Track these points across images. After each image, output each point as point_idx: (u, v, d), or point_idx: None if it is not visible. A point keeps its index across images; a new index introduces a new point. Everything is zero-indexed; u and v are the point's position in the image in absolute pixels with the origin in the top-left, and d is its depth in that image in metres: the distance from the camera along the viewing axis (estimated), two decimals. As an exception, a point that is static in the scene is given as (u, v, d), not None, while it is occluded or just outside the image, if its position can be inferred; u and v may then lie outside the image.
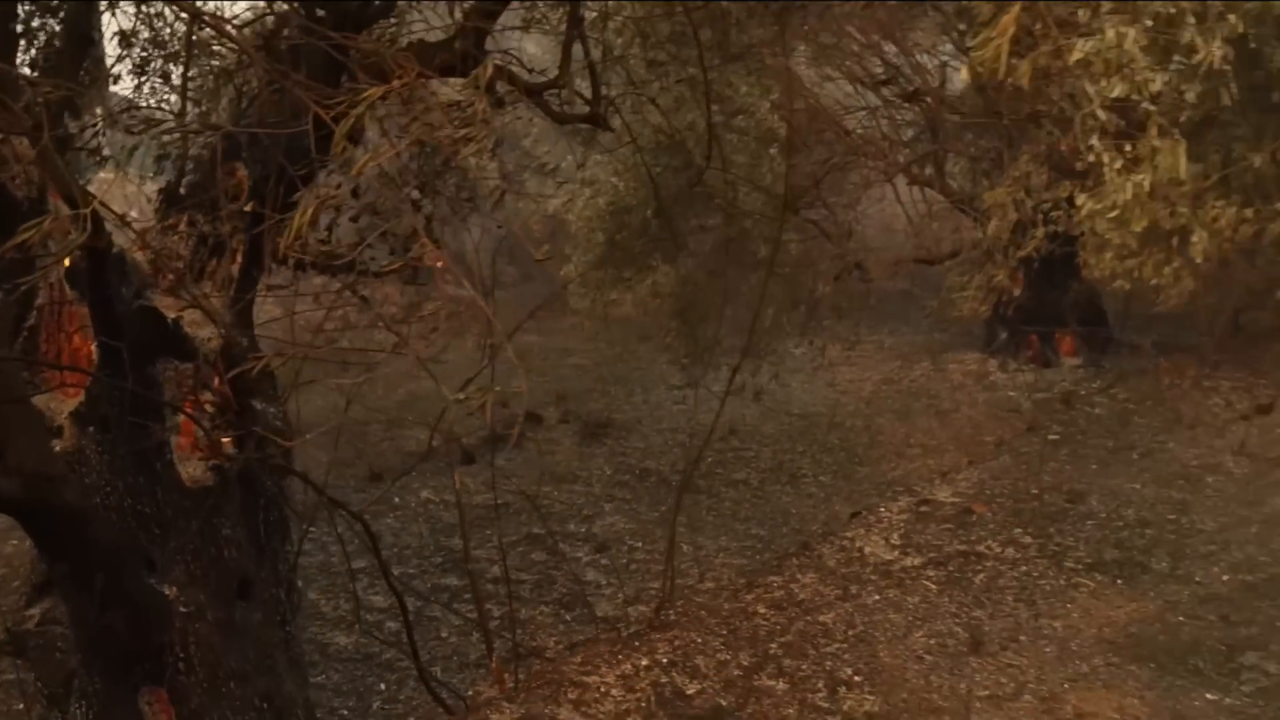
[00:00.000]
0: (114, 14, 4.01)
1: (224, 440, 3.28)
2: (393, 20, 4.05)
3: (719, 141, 7.21)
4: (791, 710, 2.76)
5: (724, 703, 2.80)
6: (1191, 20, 2.83)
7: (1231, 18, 2.98)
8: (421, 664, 3.61)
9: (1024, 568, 3.76)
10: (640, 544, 6.37)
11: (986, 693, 2.86)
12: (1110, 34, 1.89)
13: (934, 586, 3.60)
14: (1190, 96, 2.98)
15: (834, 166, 7.12)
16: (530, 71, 4.15)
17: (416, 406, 9.90)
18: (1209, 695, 2.83)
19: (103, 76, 4.20)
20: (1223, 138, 6.62)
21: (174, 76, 4.29)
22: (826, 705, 2.78)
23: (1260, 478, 4.82)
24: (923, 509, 4.45)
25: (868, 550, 3.95)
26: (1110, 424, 5.98)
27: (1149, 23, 2.19)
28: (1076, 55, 1.92)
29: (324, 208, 3.60)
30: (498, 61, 4.08)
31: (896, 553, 3.92)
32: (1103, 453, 5.38)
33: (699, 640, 3.17)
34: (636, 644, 3.18)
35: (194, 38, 3.51)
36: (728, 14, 4.88)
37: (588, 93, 4.57)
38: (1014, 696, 2.83)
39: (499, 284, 15.10)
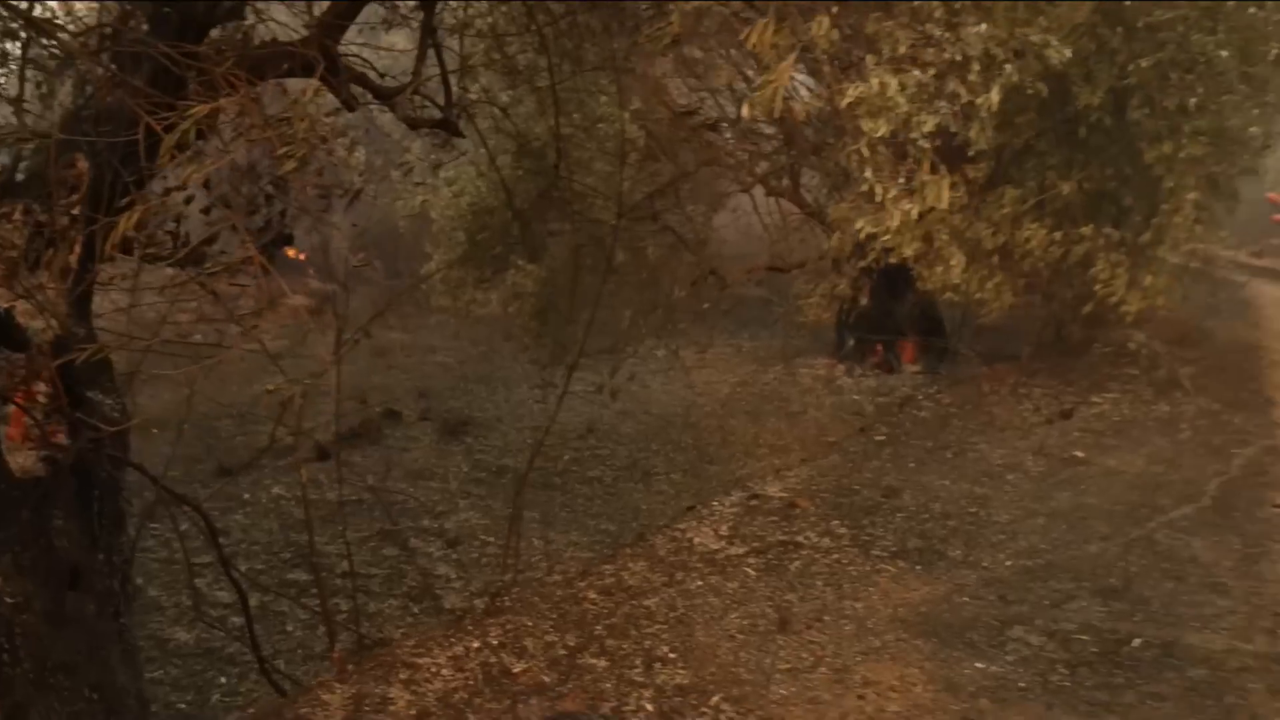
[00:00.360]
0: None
1: (55, 431, 3.27)
2: (245, 20, 4.07)
3: (582, 147, 7.43)
4: (609, 684, 2.98)
5: (547, 679, 3.00)
6: (976, 68, 3.20)
7: (1009, 67, 3.36)
8: (260, 651, 3.67)
9: (835, 555, 4.11)
10: (492, 539, 6.49)
11: (788, 666, 3.15)
12: (875, 82, 2.17)
13: (753, 573, 3.90)
14: (973, 134, 3.35)
15: (685, 175, 7.43)
16: (383, 77, 4.25)
17: (264, 403, 9.74)
18: (978, 664, 3.19)
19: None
20: (1039, 167, 7.26)
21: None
22: (642, 679, 3.01)
23: (1052, 475, 5.35)
24: (752, 503, 4.77)
25: (697, 541, 4.22)
26: (932, 426, 6.48)
27: (918, 73, 2.50)
28: (848, 99, 2.20)
29: (167, 200, 3.63)
30: (351, 64, 4.18)
31: (723, 542, 4.21)
32: (921, 452, 5.84)
33: (530, 624, 3.36)
34: (470, 628, 3.34)
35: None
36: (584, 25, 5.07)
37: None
38: (811, 669, 3.13)
39: (365, 279, 15.05)
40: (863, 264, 7.93)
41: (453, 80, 5.01)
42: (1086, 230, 6.83)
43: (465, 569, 6.01)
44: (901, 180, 2.48)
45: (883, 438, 6.24)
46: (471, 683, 2.96)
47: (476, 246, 7.73)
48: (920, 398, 7.80)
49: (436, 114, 4.48)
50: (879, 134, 2.25)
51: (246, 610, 3.81)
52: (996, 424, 6.46)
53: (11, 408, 3.18)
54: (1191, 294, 8.53)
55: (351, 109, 4.61)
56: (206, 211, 5.46)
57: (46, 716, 3.24)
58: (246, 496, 7.47)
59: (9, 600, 3.21)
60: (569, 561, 5.09)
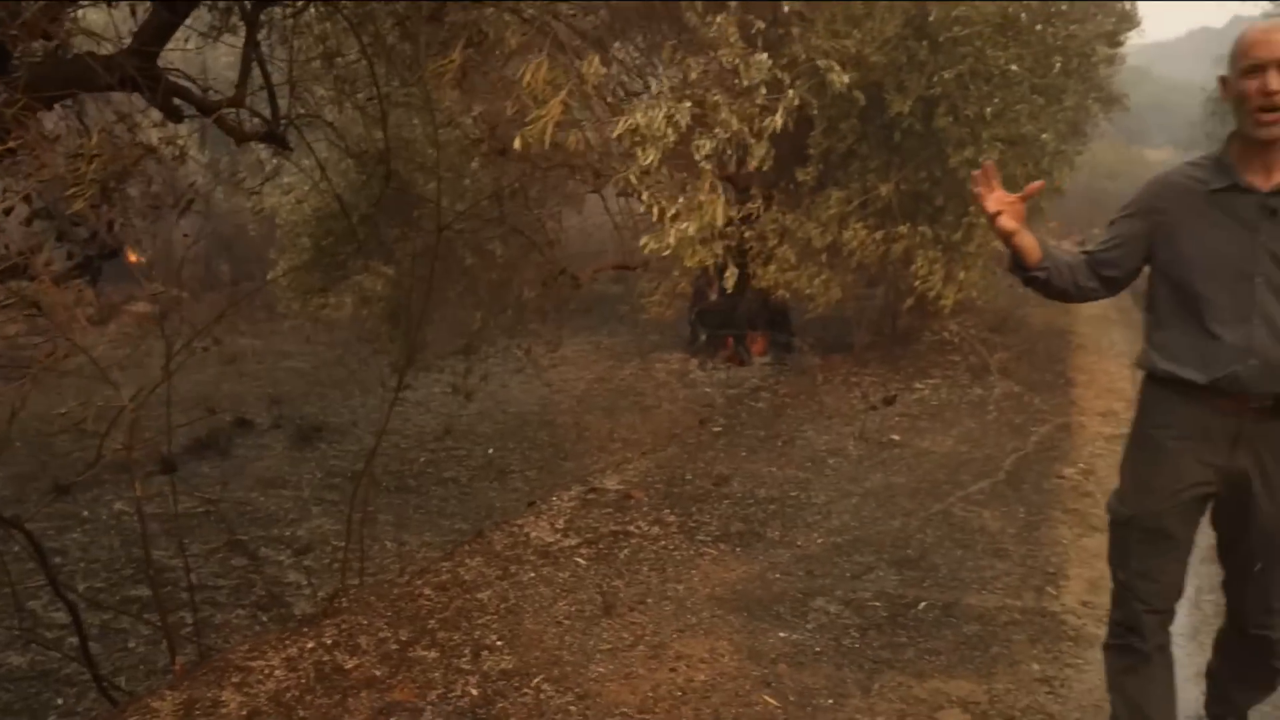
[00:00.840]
0: None
1: None
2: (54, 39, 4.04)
3: (423, 153, 7.50)
4: (438, 674, 3.15)
5: (378, 673, 3.15)
6: (763, 92, 3.52)
7: (791, 92, 3.69)
8: (95, 668, 3.69)
9: (663, 542, 4.39)
10: (345, 544, 6.55)
11: (608, 646, 3.39)
12: (639, 116, 2.42)
13: (584, 562, 4.13)
14: (759, 151, 3.65)
15: (529, 177, 7.59)
16: (206, 91, 4.29)
17: (109, 414, 9.42)
18: (781, 634, 3.51)
19: None
20: (862, 170, 7.76)
21: None
22: (469, 667, 3.20)
23: (870, 458, 5.79)
24: (590, 496, 5.01)
25: (533, 535, 4.43)
26: (767, 416, 6.87)
27: (689, 104, 2.76)
28: (618, 131, 2.44)
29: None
30: (173, 78, 4.19)
31: (558, 535, 4.42)
32: (754, 441, 6.21)
33: (365, 623, 3.50)
34: (306, 630, 3.46)
35: None
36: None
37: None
38: (630, 648, 3.39)
39: (211, 285, 14.71)
40: (693, 262, 8.30)
41: (286, 91, 5.07)
42: (904, 229, 7.34)
43: (316, 575, 6.05)
44: (681, 200, 2.74)
45: (719, 429, 6.59)
46: (304, 681, 3.08)
47: (321, 251, 7.72)
48: (762, 389, 8.21)
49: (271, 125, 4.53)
50: (648, 161, 2.49)
51: (80, 628, 3.81)
52: (826, 412, 6.91)
53: None
54: (1009, 284, 9.23)
55: (176, 121, 4.62)
56: (28, 223, 5.35)
57: None
58: (85, 514, 7.28)
59: None
60: (418, 561, 5.22)
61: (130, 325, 14.44)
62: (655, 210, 2.69)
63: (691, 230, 2.72)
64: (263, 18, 4.09)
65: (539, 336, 8.88)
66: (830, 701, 3.09)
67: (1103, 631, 2.64)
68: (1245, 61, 2.10)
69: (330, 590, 4.16)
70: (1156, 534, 2.35)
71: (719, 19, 3.70)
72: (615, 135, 2.44)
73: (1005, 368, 7.97)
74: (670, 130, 2.54)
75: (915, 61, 6.90)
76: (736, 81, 3.52)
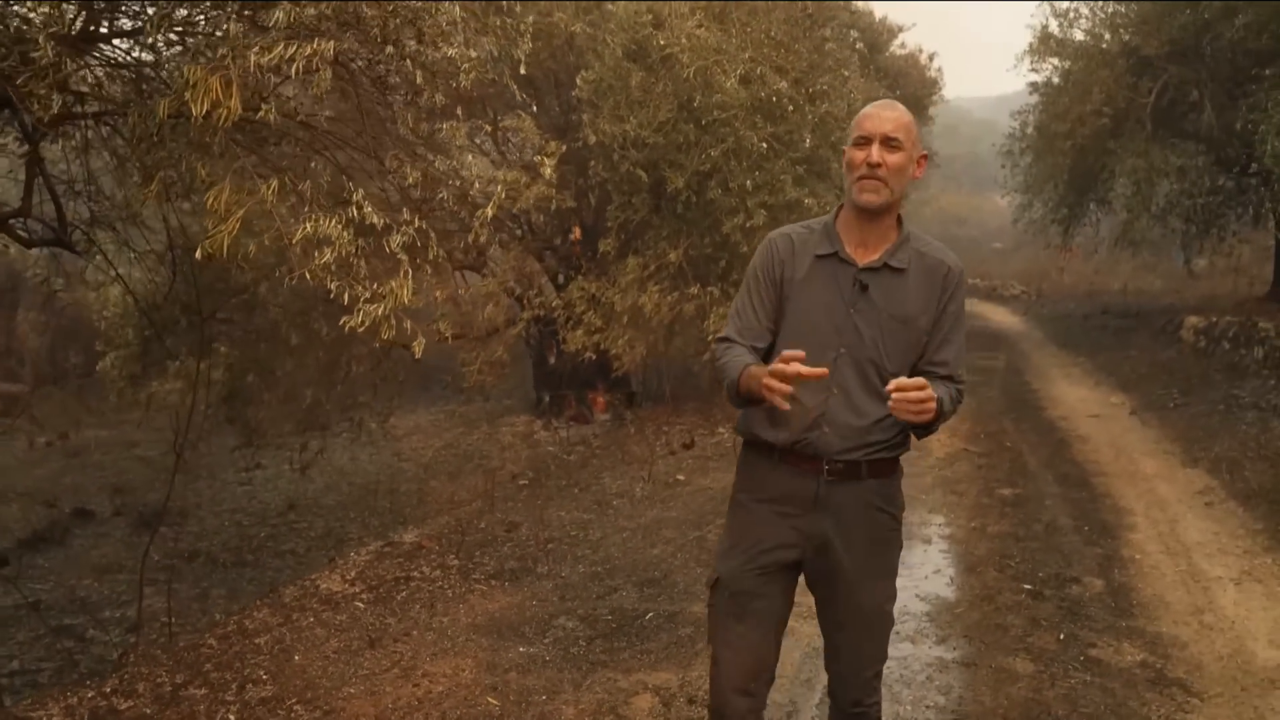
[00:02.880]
0: None
1: None
2: None
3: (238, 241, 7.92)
4: (203, 706, 3.60)
5: (148, 711, 3.58)
6: (475, 187, 4.19)
7: (499, 188, 4.36)
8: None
9: (440, 584, 4.92)
10: (175, 619, 6.82)
11: (366, 672, 3.89)
12: (309, 225, 3.02)
13: (362, 605, 4.63)
14: (479, 237, 4.30)
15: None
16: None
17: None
18: (520, 649, 4.07)
19: None
20: (655, 239, 8.56)
21: None
22: (233, 699, 3.65)
23: (653, 497, 6.45)
24: (385, 549, 5.50)
25: (323, 586, 4.90)
26: (573, 468, 7.48)
27: (360, 209, 3.37)
28: (297, 238, 3.03)
29: None
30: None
31: (345, 585, 4.90)
32: (554, 491, 6.81)
33: (146, 672, 3.91)
34: (89, 683, 3.85)
35: None
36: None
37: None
38: (385, 672, 3.89)
39: (57, 377, 14.65)
40: (513, 331, 8.97)
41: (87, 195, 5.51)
42: (694, 290, 8.14)
43: (138, 649, 6.31)
44: (374, 285, 3.33)
45: (525, 482, 7.16)
46: (79, 725, 3.49)
47: (147, 341, 8.06)
48: (579, 444, 8.84)
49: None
50: (324, 261, 3.07)
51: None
52: (627, 459, 7.57)
53: None
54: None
55: (-29, 231, 5.01)
56: None
57: None
58: (-90, 615, 7.32)
59: None
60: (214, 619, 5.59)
61: (-25, 424, 14.24)
62: (345, 295, 3.26)
63: (382, 310, 3.28)
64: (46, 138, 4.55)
65: (370, 409, 9.33)
66: (544, 698, 3.65)
67: (816, 634, 3.20)
68: (857, 133, 2.19)
69: (120, 651, 4.52)
70: (741, 596, 2.31)
71: (447, 126, 4.36)
72: (294, 241, 3.02)
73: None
74: (345, 232, 3.14)
75: (687, 142, 7.76)
76: (456, 181, 4.19)
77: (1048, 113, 13.00)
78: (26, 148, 4.53)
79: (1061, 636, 4.10)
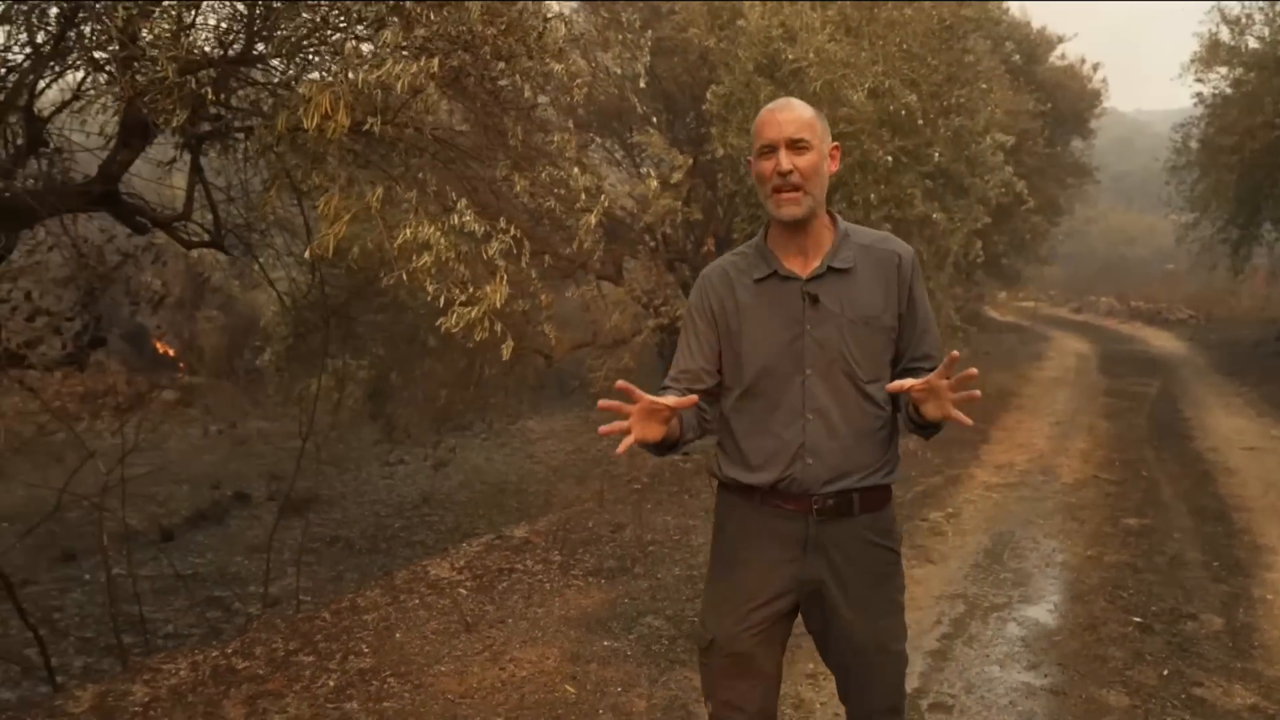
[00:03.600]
0: None
1: None
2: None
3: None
4: (308, 671, 3.90)
5: (261, 672, 3.90)
6: (583, 198, 4.38)
7: (604, 198, 4.52)
8: (50, 665, 4.49)
9: (540, 577, 5.11)
10: (310, 599, 7.33)
11: (459, 654, 4.11)
12: (408, 231, 3.25)
13: (465, 592, 4.87)
14: (584, 243, 4.47)
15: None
16: (159, 209, 5.23)
17: (116, 491, 10.43)
18: (605, 642, 4.20)
19: None
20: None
21: None
22: (335, 667, 3.94)
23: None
24: (495, 542, 5.75)
25: (433, 572, 5.18)
26: (686, 474, 7.57)
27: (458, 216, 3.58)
28: (399, 242, 3.27)
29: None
30: (129, 199, 5.17)
31: (453, 572, 5.17)
32: (664, 496, 6.92)
33: (265, 637, 4.26)
34: (214, 644, 4.23)
35: None
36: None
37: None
38: (476, 654, 4.10)
39: (234, 371, 15.86)
40: (639, 340, 9.14)
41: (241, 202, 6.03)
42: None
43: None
44: (470, 289, 3.54)
45: (639, 485, 7.31)
46: (200, 678, 3.84)
47: (300, 340, 8.67)
48: (699, 454, 8.91)
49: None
50: (422, 264, 3.29)
51: (41, 643, 4.62)
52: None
53: None
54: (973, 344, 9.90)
55: (140, 233, 5.60)
56: (31, 319, 6.39)
57: None
58: (87, 577, 8.14)
59: None
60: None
61: (157, 411, 15.62)
62: (441, 299, 3.48)
63: (476, 313, 3.48)
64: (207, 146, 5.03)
65: (501, 411, 9.71)
66: (620, 690, 3.77)
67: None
68: (759, 143, 2.06)
69: (246, 618, 4.92)
70: (738, 658, 2.16)
71: (559, 137, 4.57)
72: (395, 245, 3.26)
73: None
74: (444, 237, 3.36)
75: (813, 155, 7.75)
76: (562, 190, 4.39)
77: (1214, 125, 12.20)
78: (188, 157, 5.03)
79: (1165, 673, 3.90)
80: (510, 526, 6.20)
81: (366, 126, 3.12)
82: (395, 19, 3.35)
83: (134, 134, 4.70)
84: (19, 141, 4.32)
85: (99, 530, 5.71)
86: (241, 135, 4.61)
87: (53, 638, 6.85)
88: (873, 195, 7.46)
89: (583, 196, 4.38)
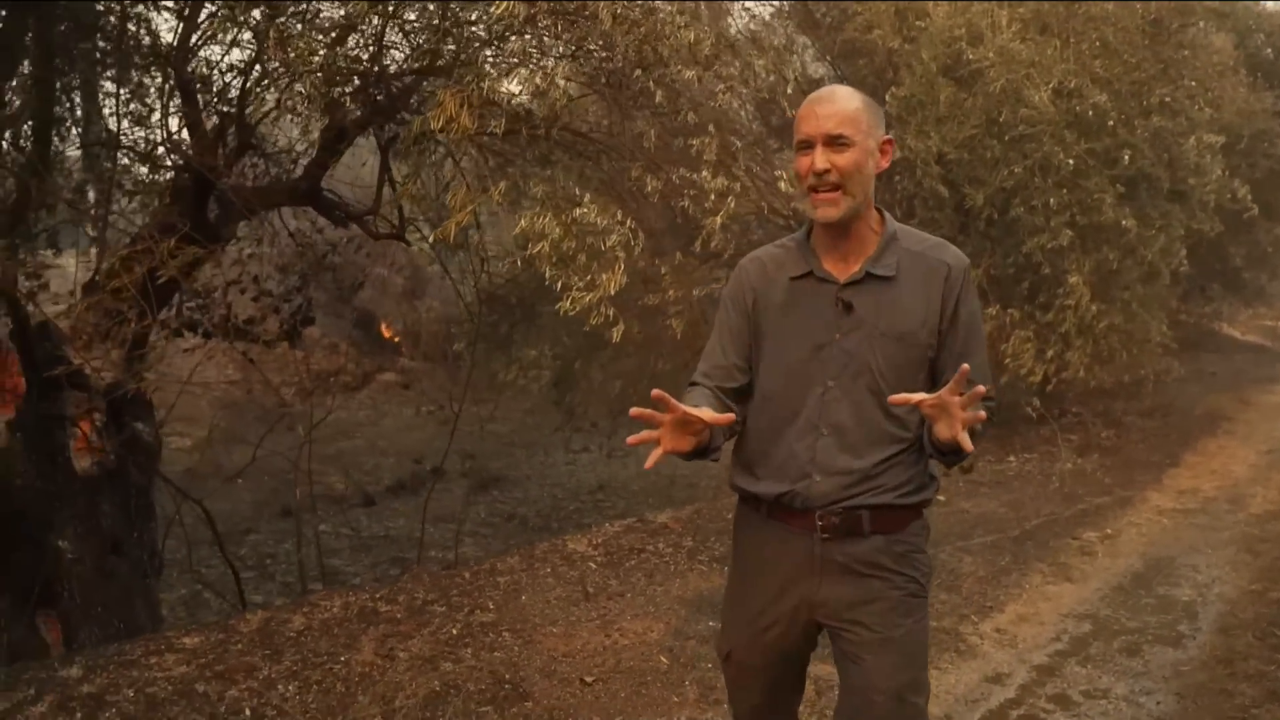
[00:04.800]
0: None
1: (103, 445, 4.92)
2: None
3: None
4: (436, 619, 4.34)
5: (399, 615, 4.38)
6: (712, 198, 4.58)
7: (730, 199, 4.69)
8: (242, 592, 5.20)
9: (668, 559, 5.35)
10: (481, 566, 7.94)
11: (574, 619, 4.43)
12: (524, 222, 3.57)
13: (594, 566, 5.19)
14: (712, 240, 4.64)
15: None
16: (352, 204, 5.89)
17: (339, 459, 11.60)
18: (711, 623, 4.39)
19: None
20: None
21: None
22: (461, 618, 4.36)
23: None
24: (635, 524, 6.05)
25: (570, 546, 5.53)
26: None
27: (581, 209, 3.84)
28: (516, 230, 3.60)
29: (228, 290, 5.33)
30: (328, 194, 5.87)
31: (588, 547, 5.50)
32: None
33: (409, 588, 4.76)
34: (368, 591, 4.78)
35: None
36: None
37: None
38: (589, 621, 4.41)
39: (445, 357, 17.09)
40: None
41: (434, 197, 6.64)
42: (993, 311, 7.88)
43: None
44: (589, 276, 3.83)
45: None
46: (348, 615, 4.37)
47: (492, 328, 9.36)
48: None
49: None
50: (539, 250, 3.60)
51: (235, 574, 5.37)
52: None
53: (77, 426, 4.85)
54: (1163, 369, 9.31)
55: (341, 226, 6.31)
56: (256, 300, 7.31)
57: (89, 636, 4.79)
58: (301, 531, 9.15)
59: (70, 557, 4.81)
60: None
61: (379, 391, 17.15)
62: (559, 284, 3.78)
63: (592, 298, 3.76)
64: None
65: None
66: (709, 666, 3.95)
67: (996, 656, 3.31)
68: (797, 137, 1.94)
69: (398, 572, 5.46)
70: (755, 671, 2.14)
71: (699, 141, 4.81)
72: (514, 234, 3.60)
73: (1109, 445, 8.13)
74: (559, 230, 3.65)
75: (992, 158, 7.54)
76: (691, 191, 4.62)
77: None
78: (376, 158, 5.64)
79: (1298, 714, 3.63)
80: (654, 512, 6.48)
81: (491, 128, 3.48)
82: (528, 30, 3.70)
83: (333, 139, 5.36)
84: (233, 145, 5.04)
85: (296, 488, 6.49)
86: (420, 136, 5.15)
87: (261, 579, 7.83)
88: (1052, 200, 7.17)
89: (711, 198, 4.59)
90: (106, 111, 5.77)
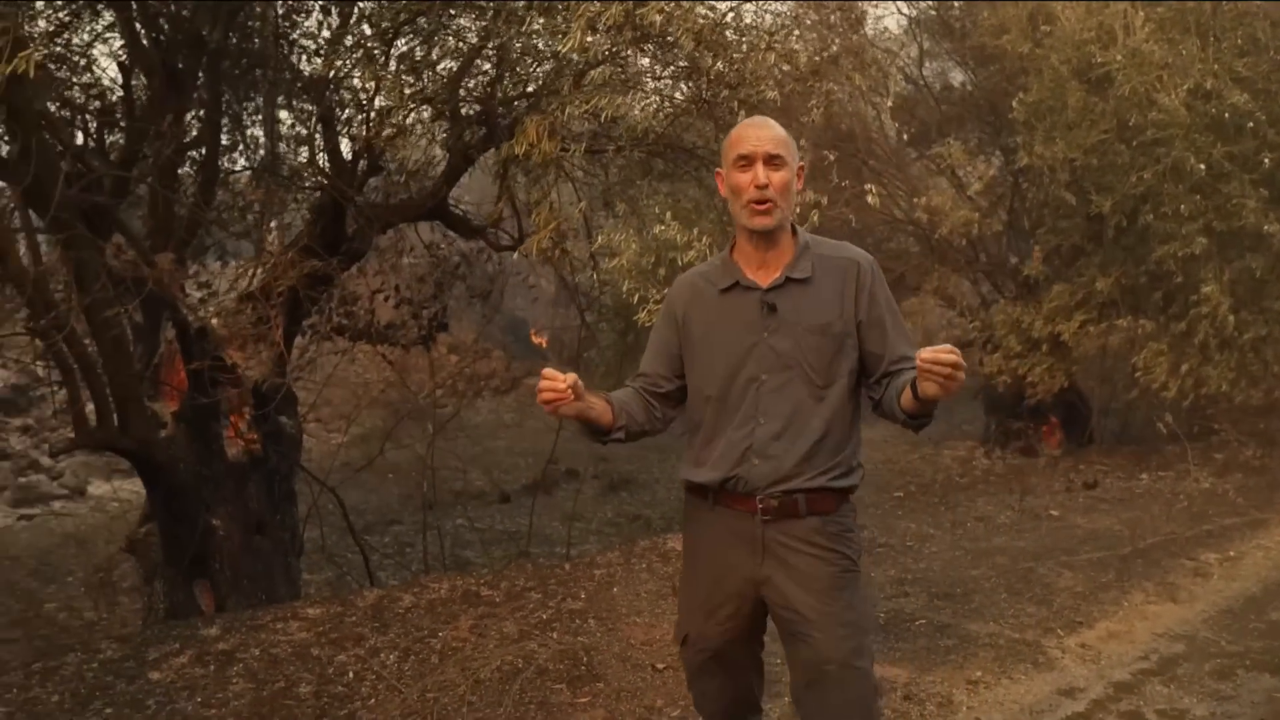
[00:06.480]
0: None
1: (252, 436, 5.52)
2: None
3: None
4: (530, 605, 4.67)
5: (497, 600, 4.75)
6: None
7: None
8: (371, 573, 5.70)
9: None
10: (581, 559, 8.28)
11: (659, 612, 4.67)
12: (600, 238, 3.84)
13: (687, 563, 5.41)
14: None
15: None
16: (476, 219, 6.33)
17: (483, 458, 12.27)
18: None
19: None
20: (1087, 265, 8.22)
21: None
22: (553, 605, 4.67)
23: (1012, 526, 6.30)
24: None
25: (670, 545, 5.78)
26: (953, 487, 7.50)
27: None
28: (594, 246, 3.88)
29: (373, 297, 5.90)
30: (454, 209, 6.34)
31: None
32: (921, 504, 6.97)
33: (513, 576, 5.13)
34: (474, 577, 5.17)
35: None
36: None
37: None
38: (671, 613, 4.64)
39: (580, 365, 17.49)
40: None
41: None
42: (1123, 322, 7.63)
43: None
44: (665, 289, 4.08)
45: (901, 494, 7.37)
46: (452, 596, 4.77)
47: (620, 338, 9.72)
48: (975, 467, 8.67)
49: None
50: (617, 264, 3.87)
51: (365, 557, 5.89)
52: (1014, 488, 7.36)
53: (230, 418, 5.46)
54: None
55: (467, 238, 6.79)
56: (397, 306, 7.93)
57: (236, 604, 5.37)
58: (439, 523, 9.78)
59: (220, 533, 5.41)
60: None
61: (526, 395, 17.88)
62: (635, 297, 4.03)
63: None
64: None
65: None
66: (779, 662, 4.07)
67: (1074, 671, 3.41)
68: (734, 153, 2.16)
69: (503, 562, 5.84)
70: (711, 654, 2.32)
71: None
72: (592, 251, 3.87)
73: (1255, 465, 7.69)
74: (635, 245, 3.89)
75: (1122, 164, 7.31)
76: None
77: None
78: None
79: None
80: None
81: (569, 151, 3.78)
82: (610, 61, 3.98)
83: (459, 158, 5.81)
84: (364, 164, 5.56)
85: (424, 483, 7.01)
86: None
87: (398, 566, 8.43)
88: (1184, 206, 6.88)
89: (797, 211, 4.74)
90: (263, 138, 6.44)
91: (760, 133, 2.17)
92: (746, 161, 2.14)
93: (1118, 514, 6.52)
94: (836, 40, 8.07)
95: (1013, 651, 4.23)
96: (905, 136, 10.05)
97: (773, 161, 2.14)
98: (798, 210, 4.79)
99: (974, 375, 11.61)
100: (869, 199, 4.86)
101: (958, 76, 9.90)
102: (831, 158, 4.94)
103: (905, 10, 10.22)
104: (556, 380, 2.02)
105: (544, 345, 19.71)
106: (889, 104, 8.67)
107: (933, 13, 10.09)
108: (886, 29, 9.96)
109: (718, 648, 2.32)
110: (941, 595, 4.92)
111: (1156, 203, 7.12)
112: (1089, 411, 10.33)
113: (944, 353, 1.86)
